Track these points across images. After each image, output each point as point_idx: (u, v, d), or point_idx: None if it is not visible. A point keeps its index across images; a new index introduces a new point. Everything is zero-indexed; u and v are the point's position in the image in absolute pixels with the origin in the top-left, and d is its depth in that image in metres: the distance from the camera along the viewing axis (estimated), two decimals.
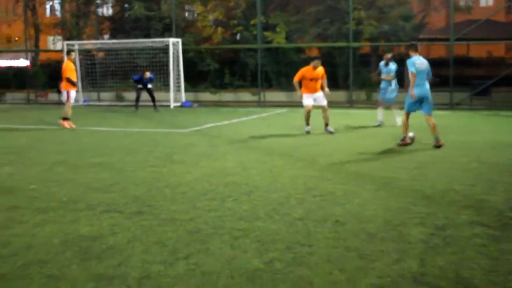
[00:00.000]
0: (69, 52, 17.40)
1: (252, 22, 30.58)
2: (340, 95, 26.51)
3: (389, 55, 16.73)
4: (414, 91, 11.98)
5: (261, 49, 28.00)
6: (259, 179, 8.85)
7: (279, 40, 29.96)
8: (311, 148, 12.33)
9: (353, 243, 5.62)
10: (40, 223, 6.43)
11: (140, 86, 23.06)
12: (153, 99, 23.43)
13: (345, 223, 6.30)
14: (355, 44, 27.52)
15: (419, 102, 12.11)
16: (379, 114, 16.90)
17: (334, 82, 26.40)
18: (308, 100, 15.03)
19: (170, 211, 6.88)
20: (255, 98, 28.27)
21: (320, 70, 15.13)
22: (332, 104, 17.69)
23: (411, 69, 11.97)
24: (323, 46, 29.80)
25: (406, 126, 12.39)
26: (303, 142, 13.43)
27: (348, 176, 9.00)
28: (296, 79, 15.11)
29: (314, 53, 29.40)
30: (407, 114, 12.38)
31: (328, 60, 26.98)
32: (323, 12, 30.48)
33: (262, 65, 27.80)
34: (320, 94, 15.13)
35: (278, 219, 6.49)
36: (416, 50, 12.33)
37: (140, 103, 23.63)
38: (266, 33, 29.98)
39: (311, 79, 14.99)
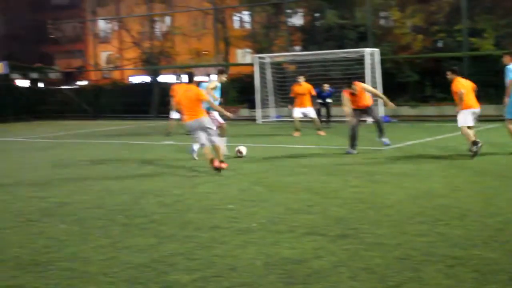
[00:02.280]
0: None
1: (456, 28, 29.81)
2: None
3: None
4: None
5: (467, 57, 27.19)
6: (471, 201, 8.65)
7: (487, 46, 28.92)
8: None
9: None
10: (242, 244, 6.77)
11: (319, 100, 23.49)
12: (328, 115, 23.85)
13: None
14: None
15: None
16: None
17: None
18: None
19: (376, 235, 6.94)
20: None
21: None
22: None
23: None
24: None
25: None
26: None
27: None
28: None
29: None
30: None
31: None
32: None
33: (468, 75, 26.94)
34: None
35: (497, 247, 6.32)
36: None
37: (332, 118, 24.02)
38: (472, 39, 29.09)
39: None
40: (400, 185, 10.20)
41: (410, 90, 31.01)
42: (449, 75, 13.85)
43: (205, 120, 12.66)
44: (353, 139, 14.85)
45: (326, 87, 23.72)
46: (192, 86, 12.95)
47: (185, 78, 20.31)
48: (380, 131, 15.51)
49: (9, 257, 6.56)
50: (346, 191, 9.81)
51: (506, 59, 13.83)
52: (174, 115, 21.04)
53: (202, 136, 12.52)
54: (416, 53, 32.09)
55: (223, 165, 12.38)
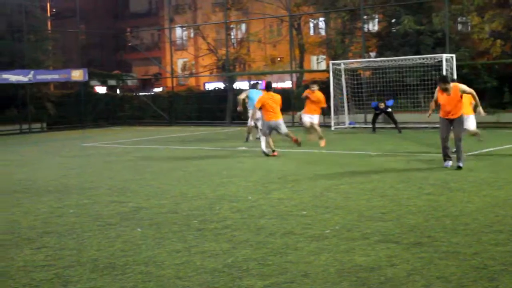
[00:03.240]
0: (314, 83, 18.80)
1: None
2: None
3: None
4: None
5: None
6: None
7: None
8: None
9: None
10: (315, 251, 6.79)
11: (378, 111, 23.73)
12: (395, 122, 23.84)
13: None
14: None
15: None
16: None
17: None
18: None
19: (451, 243, 6.84)
20: None
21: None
22: None
23: None
24: None
25: None
26: None
27: None
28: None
29: None
30: None
31: None
32: None
33: None
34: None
35: None
36: None
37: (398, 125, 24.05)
38: None
39: None
40: (477, 193, 10.01)
41: (488, 97, 30.36)
42: None
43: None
44: (444, 152, 13.25)
45: (382, 105, 23.78)
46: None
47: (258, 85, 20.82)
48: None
49: (87, 260, 6.76)
50: (421, 198, 9.69)
51: None
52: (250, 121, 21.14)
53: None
54: (494, 58, 31.40)
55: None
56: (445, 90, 12.92)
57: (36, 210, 9.81)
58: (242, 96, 21.65)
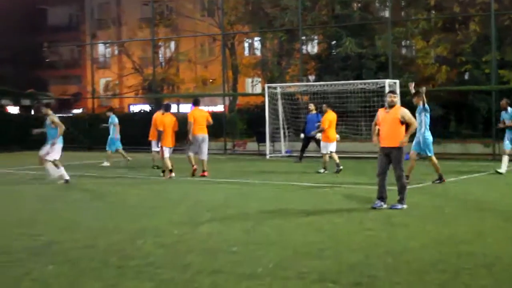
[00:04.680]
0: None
1: (484, 59, 29.87)
2: None
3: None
4: None
5: (495, 90, 27.21)
6: (499, 248, 8.57)
7: None
8: None
9: None
10: None
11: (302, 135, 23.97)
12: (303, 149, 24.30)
13: None
14: None
15: None
16: None
17: None
18: None
19: (393, 283, 6.87)
20: (488, 150, 27.40)
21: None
22: None
23: None
24: None
25: None
26: None
27: None
28: None
29: None
30: None
31: None
32: None
33: (496, 110, 26.95)
34: None
35: None
36: None
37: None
38: (502, 72, 29.13)
39: None
40: (421, 228, 10.14)
41: (433, 125, 30.93)
42: None
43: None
44: (379, 189, 12.53)
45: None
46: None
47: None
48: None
49: None
50: (361, 234, 9.74)
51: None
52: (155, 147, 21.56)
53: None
54: (440, 85, 32.12)
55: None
56: (389, 105, 12.54)
57: None
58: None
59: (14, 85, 42.65)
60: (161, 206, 13.30)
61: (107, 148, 24.74)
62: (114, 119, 24.83)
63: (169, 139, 19.47)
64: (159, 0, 44.87)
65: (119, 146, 24.76)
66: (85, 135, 36.90)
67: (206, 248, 8.94)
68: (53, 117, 17.70)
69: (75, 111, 51.02)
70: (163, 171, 19.35)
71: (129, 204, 13.79)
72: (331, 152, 20.28)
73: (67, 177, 17.63)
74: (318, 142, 22.45)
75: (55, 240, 9.58)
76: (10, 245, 9.28)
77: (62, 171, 17.68)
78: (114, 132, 24.66)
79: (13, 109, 42.11)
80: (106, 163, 24.12)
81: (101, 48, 55.53)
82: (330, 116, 20.50)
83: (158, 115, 20.45)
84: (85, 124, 38.16)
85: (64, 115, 43.48)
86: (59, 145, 17.63)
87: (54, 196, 15.32)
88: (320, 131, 20.84)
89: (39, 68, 57.03)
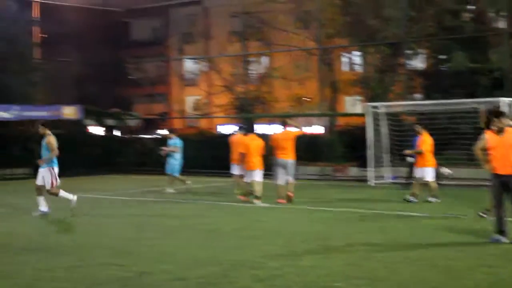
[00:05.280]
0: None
1: None
2: None
3: None
4: None
5: None
6: None
7: None
8: None
9: None
10: None
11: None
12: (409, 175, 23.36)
13: None
14: None
15: None
16: None
17: None
18: None
19: None
20: None
21: None
22: None
23: None
24: None
25: None
26: None
27: None
28: None
29: None
30: None
31: None
32: None
33: None
34: None
35: None
36: None
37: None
38: None
39: None
40: None
41: None
42: None
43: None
44: (498, 223, 12.21)
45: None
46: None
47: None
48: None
49: None
50: (480, 271, 9.61)
51: None
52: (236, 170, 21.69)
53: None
54: None
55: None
56: (499, 131, 12.14)
57: (18, 273, 9.82)
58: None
59: (97, 104, 43.58)
60: (256, 236, 13.40)
61: (172, 173, 24.59)
62: (177, 142, 24.97)
63: (254, 162, 19.75)
64: (249, 12, 45.23)
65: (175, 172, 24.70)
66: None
67: (306, 282, 9.00)
68: (51, 138, 17.12)
69: (161, 131, 51.81)
70: (256, 197, 19.49)
71: (221, 233, 13.97)
72: (428, 179, 19.89)
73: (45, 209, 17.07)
74: (411, 166, 22.23)
75: (146, 271, 9.81)
76: (98, 276, 9.55)
77: (42, 201, 17.07)
78: (176, 156, 24.65)
79: (96, 129, 43.00)
80: (170, 190, 24.03)
81: (187, 64, 56.27)
82: (428, 139, 20.25)
83: (239, 137, 20.75)
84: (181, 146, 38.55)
85: (150, 136, 44.28)
86: (56, 169, 17.09)
87: (144, 224, 15.65)
88: (418, 153, 20.43)
89: (123, 86, 58.01)
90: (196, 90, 53.65)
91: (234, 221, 16.06)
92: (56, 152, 16.99)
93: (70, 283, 9.10)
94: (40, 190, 17.01)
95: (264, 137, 22.10)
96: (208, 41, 51.10)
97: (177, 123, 53.51)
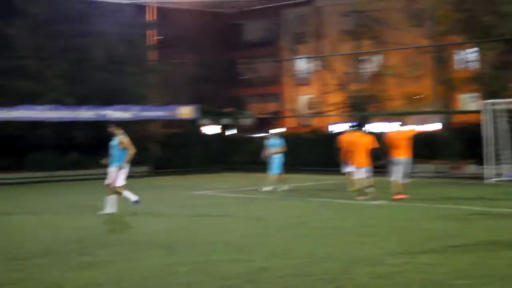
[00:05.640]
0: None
1: None
2: None
3: None
4: None
5: None
6: None
7: None
8: None
9: None
10: None
11: None
12: None
13: None
14: None
15: None
16: None
17: None
18: None
19: None
20: None
21: None
22: None
23: None
24: None
25: None
26: None
27: None
28: None
29: None
30: None
31: None
32: None
33: None
34: None
35: None
36: None
37: None
38: None
39: None
40: None
41: None
42: None
43: None
44: None
45: None
46: None
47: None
48: None
49: None
50: None
51: None
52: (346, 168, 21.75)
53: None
54: None
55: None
56: None
57: (142, 267, 10.03)
58: None
59: (211, 103, 44.20)
60: (371, 233, 13.28)
61: (275, 172, 24.60)
62: (276, 142, 24.93)
63: (361, 160, 19.68)
64: (361, 11, 44.97)
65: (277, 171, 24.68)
66: (286, 156, 37.37)
67: (426, 280, 8.85)
68: (123, 137, 17.37)
69: (272, 131, 51.99)
70: (362, 194, 19.41)
71: (336, 230, 13.94)
72: None
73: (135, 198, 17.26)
74: None
75: (267, 267, 9.86)
76: (220, 271, 9.66)
77: (128, 194, 17.30)
78: (277, 155, 24.59)
79: (210, 129, 43.56)
80: (285, 187, 24.22)
81: (300, 63, 56.39)
82: None
83: (348, 135, 20.82)
84: (286, 145, 38.64)
85: (262, 134, 44.51)
86: (126, 170, 17.29)
87: (258, 220, 15.77)
88: None
89: (236, 86, 58.63)
90: (309, 89, 53.74)
91: (348, 218, 15.97)
92: (133, 149, 17.19)
93: (194, 277, 9.23)
94: (120, 187, 17.24)
95: (377, 135, 21.97)
96: (320, 40, 51.01)
97: (290, 122, 53.71)
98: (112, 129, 17.55)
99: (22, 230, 14.76)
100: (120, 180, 17.13)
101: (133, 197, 17.12)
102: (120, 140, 17.17)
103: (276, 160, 24.40)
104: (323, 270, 9.61)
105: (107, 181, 17.30)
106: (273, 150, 24.39)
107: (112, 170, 17.20)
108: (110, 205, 17.00)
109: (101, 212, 16.88)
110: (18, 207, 19.86)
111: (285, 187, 24.13)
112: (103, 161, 17.61)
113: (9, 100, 31.93)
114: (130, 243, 12.39)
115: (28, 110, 31.64)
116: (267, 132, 28.48)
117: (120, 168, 17.07)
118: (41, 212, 17.54)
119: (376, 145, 20.14)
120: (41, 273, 9.70)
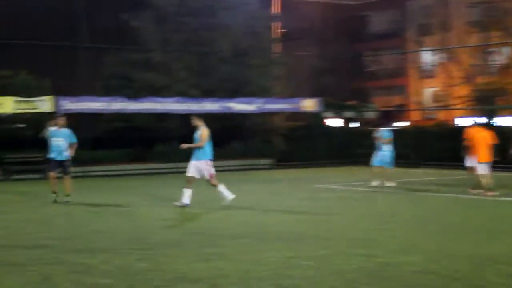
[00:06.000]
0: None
1: None
2: None
3: None
4: None
5: None
6: None
7: None
8: None
9: None
10: None
11: None
12: None
13: None
14: None
15: None
16: None
17: None
18: None
19: None
20: None
21: None
22: None
23: None
24: None
25: None
26: None
27: None
28: None
29: None
30: None
31: None
32: None
33: None
34: None
35: None
36: None
37: None
38: None
39: None
40: None
41: None
42: None
43: None
44: None
45: None
46: None
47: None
48: None
49: None
50: None
51: None
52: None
53: None
54: None
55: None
56: None
57: (266, 259, 9.99)
58: None
59: (335, 96, 43.96)
60: (503, 230, 12.86)
61: (383, 165, 23.78)
62: (384, 134, 24.24)
63: (481, 154, 19.25)
64: (489, 1, 43.80)
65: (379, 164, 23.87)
66: (411, 150, 36.71)
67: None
68: (204, 130, 17.07)
69: (399, 123, 51.24)
70: (487, 190, 18.87)
71: (465, 226, 13.57)
72: None
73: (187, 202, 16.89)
74: None
75: (390, 262, 9.64)
76: (343, 265, 9.51)
77: (188, 192, 16.97)
78: (385, 148, 23.83)
79: (334, 121, 43.36)
80: (390, 183, 23.11)
81: (425, 55, 55.41)
82: None
83: (470, 129, 20.36)
84: (410, 138, 37.92)
85: (387, 128, 43.89)
86: (197, 162, 16.95)
87: (380, 214, 15.53)
88: None
89: (360, 78, 58.17)
90: (434, 81, 52.74)
91: (477, 215, 15.57)
92: (202, 144, 16.88)
93: (317, 271, 9.13)
94: (190, 182, 16.99)
95: (502, 129, 21.34)
96: (446, 32, 49.89)
97: (414, 115, 52.91)
98: (195, 120, 17.39)
99: (149, 220, 15.02)
100: (211, 170, 17.00)
101: (187, 200, 16.91)
102: (201, 132, 17.04)
103: (385, 153, 23.72)
104: (454, 267, 9.26)
105: (189, 173, 17.03)
106: (383, 141, 23.64)
107: (197, 163, 16.99)
108: (226, 195, 16.92)
109: (223, 203, 16.89)
110: (144, 198, 20.23)
111: (392, 183, 23.20)
112: None
113: (136, 92, 32.59)
114: (252, 236, 12.40)
115: (154, 102, 32.23)
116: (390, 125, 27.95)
117: (209, 162, 16.96)
118: (166, 203, 17.78)
119: (496, 141, 19.58)
120: (168, 263, 9.80)
